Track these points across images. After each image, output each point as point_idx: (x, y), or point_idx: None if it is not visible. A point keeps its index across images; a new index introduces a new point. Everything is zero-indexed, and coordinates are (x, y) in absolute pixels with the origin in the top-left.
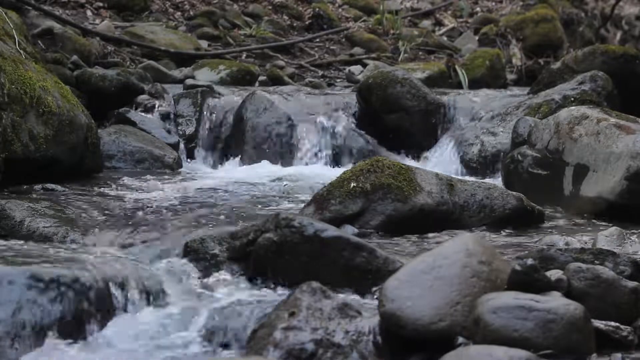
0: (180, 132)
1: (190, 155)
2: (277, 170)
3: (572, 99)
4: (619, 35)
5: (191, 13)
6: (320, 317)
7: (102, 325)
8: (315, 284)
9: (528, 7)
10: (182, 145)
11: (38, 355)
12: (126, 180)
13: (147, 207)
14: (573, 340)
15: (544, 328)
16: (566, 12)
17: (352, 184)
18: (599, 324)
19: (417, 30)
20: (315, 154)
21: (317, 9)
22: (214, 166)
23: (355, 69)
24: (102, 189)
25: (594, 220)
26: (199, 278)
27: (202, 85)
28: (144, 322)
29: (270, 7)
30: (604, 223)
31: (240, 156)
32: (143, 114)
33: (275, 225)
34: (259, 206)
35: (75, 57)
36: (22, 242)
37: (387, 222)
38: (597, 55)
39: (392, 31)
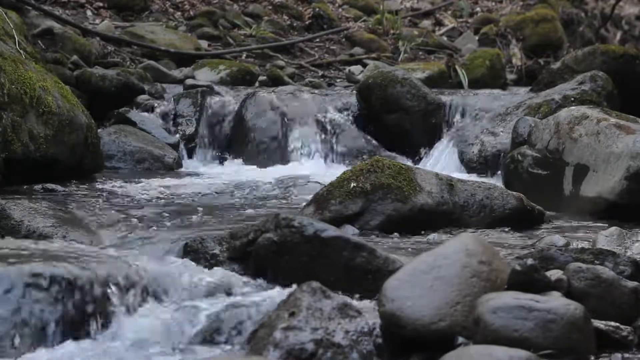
0: (180, 132)
1: (190, 155)
2: (277, 170)
3: (572, 99)
4: (619, 35)
5: (191, 13)
6: (320, 317)
7: (101, 325)
8: (315, 284)
9: (528, 7)
10: (182, 145)
11: (38, 354)
12: (126, 180)
13: (147, 207)
14: (573, 340)
15: (544, 328)
16: (566, 12)
17: (352, 184)
18: (599, 324)
19: (417, 30)
20: (315, 154)
21: (317, 9)
22: (214, 166)
23: (355, 69)
24: (102, 189)
25: (594, 220)
26: (198, 278)
27: (202, 85)
28: (144, 322)
29: (270, 7)
30: (604, 223)
31: (240, 156)
32: (143, 114)
33: (275, 225)
34: (259, 206)
35: (75, 57)
36: (22, 241)
37: (387, 222)
38: (597, 55)
39: (392, 31)
